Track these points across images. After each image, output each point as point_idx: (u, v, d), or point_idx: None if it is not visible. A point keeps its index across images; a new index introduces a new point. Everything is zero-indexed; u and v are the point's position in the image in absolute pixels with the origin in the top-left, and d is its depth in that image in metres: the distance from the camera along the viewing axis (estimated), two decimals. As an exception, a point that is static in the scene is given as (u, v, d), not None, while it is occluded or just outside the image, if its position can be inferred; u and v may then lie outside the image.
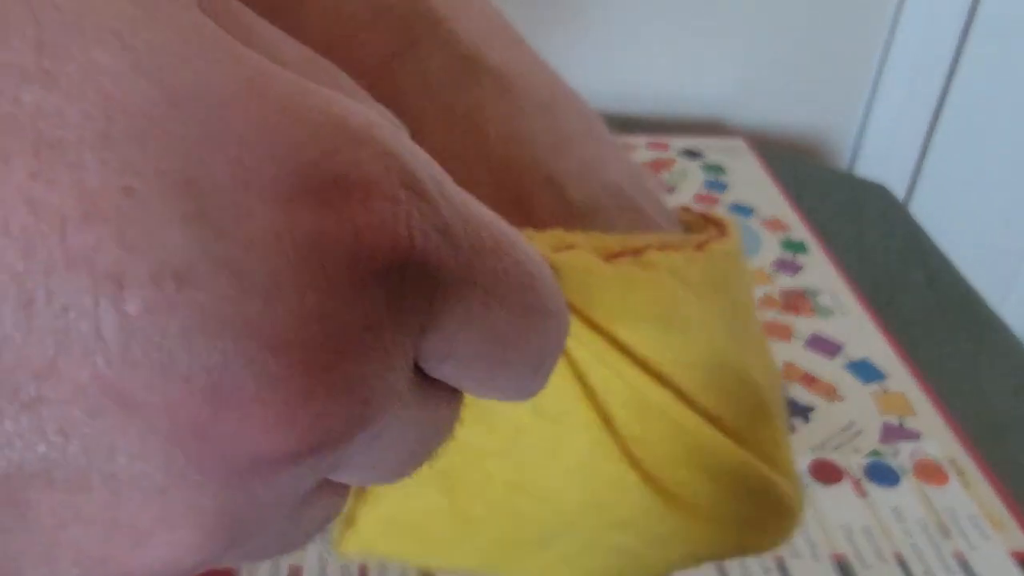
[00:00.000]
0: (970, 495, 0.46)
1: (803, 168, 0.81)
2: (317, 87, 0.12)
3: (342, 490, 0.14)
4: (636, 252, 0.24)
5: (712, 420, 0.26)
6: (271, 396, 0.11)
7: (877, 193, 0.78)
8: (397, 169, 0.12)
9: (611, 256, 0.24)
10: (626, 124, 0.86)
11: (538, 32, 0.88)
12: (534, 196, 0.25)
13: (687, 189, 0.74)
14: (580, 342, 0.24)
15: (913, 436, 0.49)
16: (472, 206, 0.13)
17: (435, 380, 0.14)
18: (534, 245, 0.16)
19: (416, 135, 0.14)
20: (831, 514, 0.44)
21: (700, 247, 0.26)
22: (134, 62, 0.10)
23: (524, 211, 0.25)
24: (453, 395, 0.15)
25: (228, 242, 0.10)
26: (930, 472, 0.47)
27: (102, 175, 0.10)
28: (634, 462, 0.25)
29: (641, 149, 0.81)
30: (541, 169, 0.26)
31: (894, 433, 0.50)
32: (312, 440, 0.11)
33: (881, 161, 0.96)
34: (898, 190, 0.97)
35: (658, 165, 0.78)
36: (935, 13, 0.89)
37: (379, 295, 0.11)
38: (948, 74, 0.93)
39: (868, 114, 0.95)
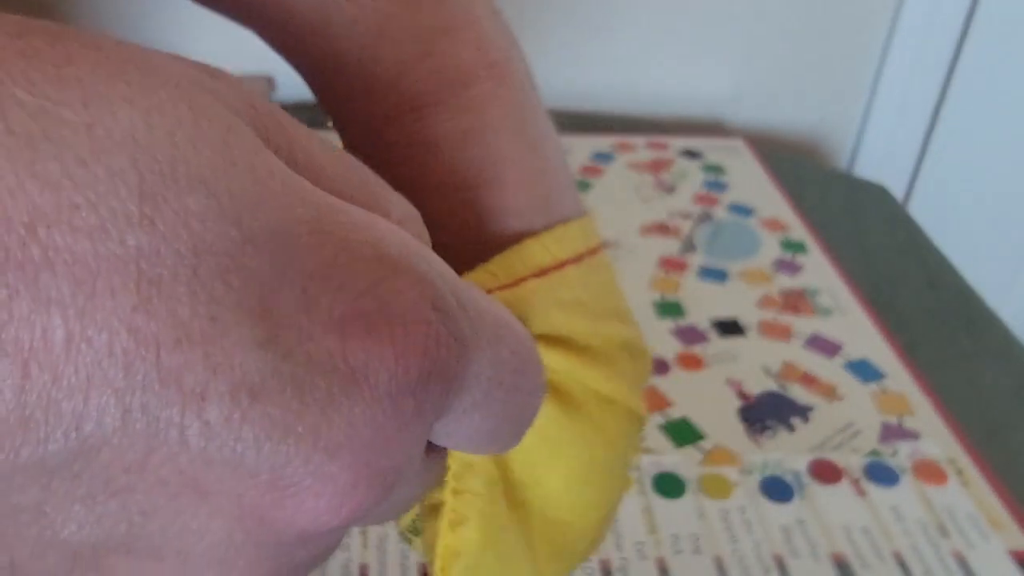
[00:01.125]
0: (969, 495, 0.46)
1: (802, 168, 0.82)
2: (362, 214, 0.14)
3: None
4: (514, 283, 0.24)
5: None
6: (323, 489, 0.13)
7: (876, 193, 0.78)
8: (429, 294, 0.14)
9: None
10: (626, 124, 0.87)
11: (539, 33, 0.89)
12: None
13: (686, 189, 0.74)
14: None
15: (912, 436, 0.50)
16: (479, 301, 0.16)
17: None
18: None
19: None
20: (830, 514, 0.44)
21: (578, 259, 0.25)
22: (218, 207, 0.12)
23: None
24: (439, 458, 0.18)
25: (293, 362, 0.13)
26: (929, 472, 0.47)
27: (192, 306, 0.12)
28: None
29: (641, 149, 0.81)
30: None
31: (893, 433, 0.50)
32: (351, 518, 0.14)
33: (880, 161, 0.96)
34: (897, 190, 0.97)
35: (658, 165, 0.78)
36: (934, 14, 0.89)
37: (409, 402, 0.14)
38: (947, 75, 0.93)
39: (867, 115, 0.95)
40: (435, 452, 0.18)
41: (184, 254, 0.12)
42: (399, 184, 0.19)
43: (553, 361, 0.23)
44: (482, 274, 0.23)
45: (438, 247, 0.19)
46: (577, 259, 0.24)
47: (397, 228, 0.15)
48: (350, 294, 0.13)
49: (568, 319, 0.23)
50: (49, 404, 0.11)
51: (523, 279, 0.23)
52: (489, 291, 0.22)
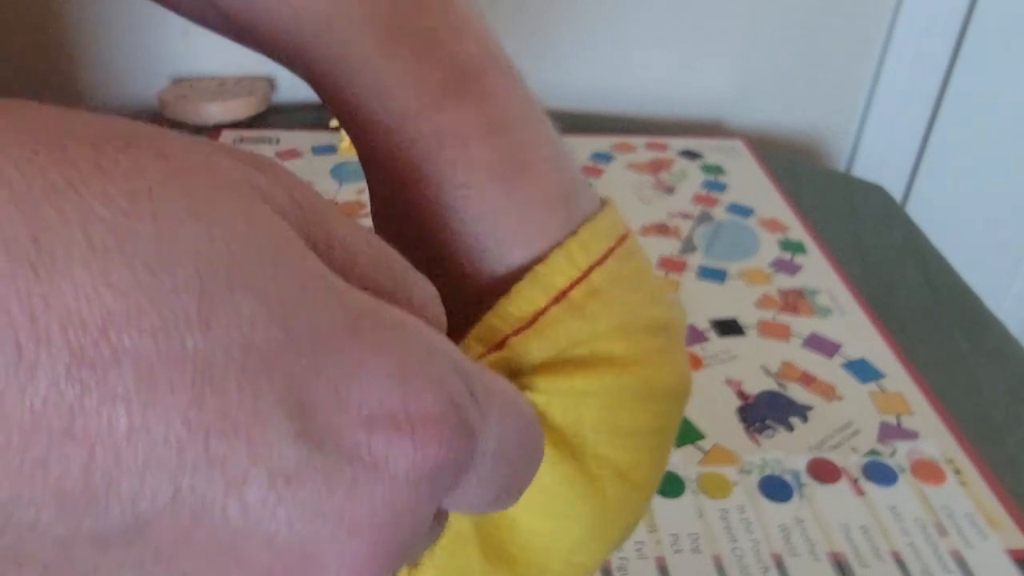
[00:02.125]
0: (967, 494, 0.46)
1: (801, 169, 0.82)
2: (391, 314, 0.16)
3: None
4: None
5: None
6: (343, 562, 0.15)
7: (875, 194, 0.78)
8: (446, 394, 0.15)
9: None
10: (626, 125, 0.87)
11: (541, 35, 0.89)
12: None
13: (686, 189, 0.74)
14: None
15: (910, 435, 0.50)
16: (487, 381, 0.17)
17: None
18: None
19: None
20: (829, 513, 0.44)
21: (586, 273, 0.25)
22: (267, 311, 0.14)
23: None
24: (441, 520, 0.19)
25: (324, 453, 0.14)
26: (927, 471, 0.47)
27: (239, 399, 0.13)
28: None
29: (641, 149, 0.81)
30: None
31: (892, 432, 0.50)
32: None
33: (879, 162, 0.96)
34: (896, 191, 0.98)
35: (657, 165, 0.78)
36: (932, 16, 0.89)
37: (425, 487, 0.15)
38: (945, 75, 0.93)
39: (866, 115, 0.95)
40: (439, 514, 0.19)
41: (234, 353, 0.13)
42: (425, 188, 0.21)
43: (559, 414, 0.23)
44: (497, 320, 0.23)
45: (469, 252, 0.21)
46: (603, 258, 0.24)
47: (421, 326, 0.16)
48: (377, 394, 0.15)
49: (592, 329, 0.23)
50: (110, 484, 0.13)
51: (545, 309, 0.23)
52: (505, 338, 0.23)
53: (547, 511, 0.24)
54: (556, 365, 0.23)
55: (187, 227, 0.14)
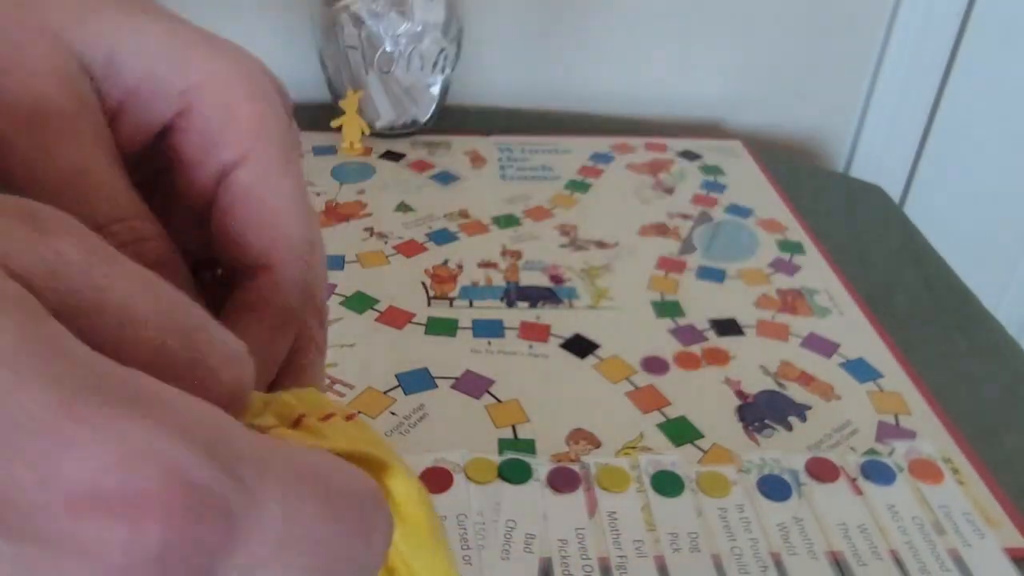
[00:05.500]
0: (965, 493, 0.46)
1: (800, 169, 0.82)
2: (136, 386, 0.15)
3: None
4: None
5: None
6: None
7: (873, 194, 0.78)
8: (174, 477, 0.14)
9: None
10: (626, 125, 0.87)
11: (542, 36, 0.89)
12: None
13: (685, 190, 0.75)
14: None
15: (908, 435, 0.50)
16: (270, 455, 0.16)
17: None
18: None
19: None
20: (827, 512, 0.45)
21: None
22: None
23: None
24: None
25: (24, 544, 0.13)
26: (925, 470, 0.47)
27: None
28: None
29: (640, 150, 0.81)
30: None
31: (889, 432, 0.50)
32: None
33: (877, 162, 0.96)
34: (894, 191, 0.98)
35: (657, 166, 0.78)
36: (930, 17, 0.89)
37: (151, 572, 0.14)
38: (943, 77, 0.93)
39: (864, 116, 0.95)
40: None
41: None
42: None
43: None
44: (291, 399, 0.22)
45: None
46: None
47: (176, 399, 0.15)
48: (88, 475, 0.14)
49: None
50: None
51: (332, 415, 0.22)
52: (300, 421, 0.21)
53: None
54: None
55: None
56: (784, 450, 0.48)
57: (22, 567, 0.13)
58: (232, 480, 0.15)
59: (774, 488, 0.46)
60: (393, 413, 0.49)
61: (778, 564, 0.42)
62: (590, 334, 0.56)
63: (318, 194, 0.70)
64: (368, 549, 0.17)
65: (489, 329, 0.56)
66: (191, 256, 0.25)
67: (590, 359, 0.54)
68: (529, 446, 0.48)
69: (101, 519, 0.14)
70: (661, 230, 0.69)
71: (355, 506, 0.17)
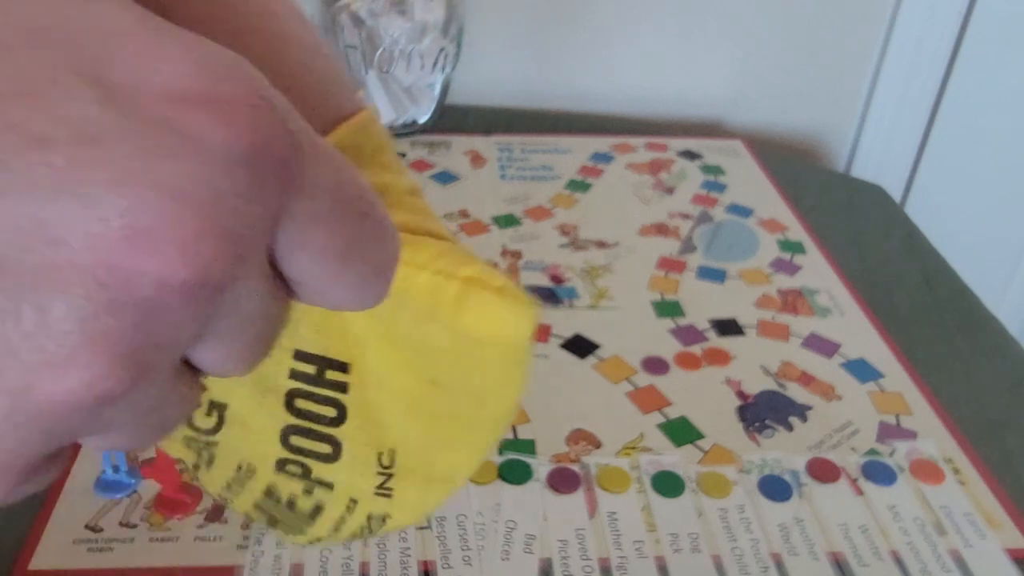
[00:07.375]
0: (966, 493, 0.46)
1: (801, 169, 0.82)
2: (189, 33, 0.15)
3: (197, 389, 0.18)
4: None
5: None
6: (172, 234, 0.14)
7: (874, 194, 0.78)
8: (255, 84, 0.15)
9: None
10: (626, 125, 0.87)
11: (542, 36, 0.89)
12: None
13: (686, 189, 0.75)
14: None
15: (909, 435, 0.50)
16: (314, 134, 0.17)
17: (282, 282, 0.17)
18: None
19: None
20: (828, 512, 0.45)
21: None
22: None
23: None
24: (289, 295, 0.18)
25: (131, 119, 0.14)
26: (926, 471, 0.47)
27: (29, 67, 0.14)
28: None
29: (641, 149, 0.81)
30: None
31: (891, 432, 0.50)
32: (203, 272, 0.15)
33: (878, 162, 0.96)
34: (895, 191, 0.98)
35: (657, 166, 0.78)
36: (931, 17, 0.89)
37: (243, 172, 0.15)
38: (943, 77, 0.93)
39: (865, 116, 0.95)
40: (283, 293, 0.18)
41: (17, 27, 0.14)
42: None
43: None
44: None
45: None
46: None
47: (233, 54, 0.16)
48: (179, 80, 0.15)
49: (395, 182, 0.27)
50: None
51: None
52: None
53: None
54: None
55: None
56: (785, 450, 0.48)
57: (138, 141, 0.14)
58: (296, 118, 0.16)
59: (775, 488, 0.46)
60: (393, 413, 0.49)
61: (779, 564, 0.42)
62: (590, 334, 0.56)
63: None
64: (386, 251, 0.18)
65: (489, 329, 0.56)
66: None
67: (590, 359, 0.54)
68: (529, 446, 0.47)
69: (199, 111, 0.14)
70: (661, 230, 0.69)
71: (376, 201, 0.18)
